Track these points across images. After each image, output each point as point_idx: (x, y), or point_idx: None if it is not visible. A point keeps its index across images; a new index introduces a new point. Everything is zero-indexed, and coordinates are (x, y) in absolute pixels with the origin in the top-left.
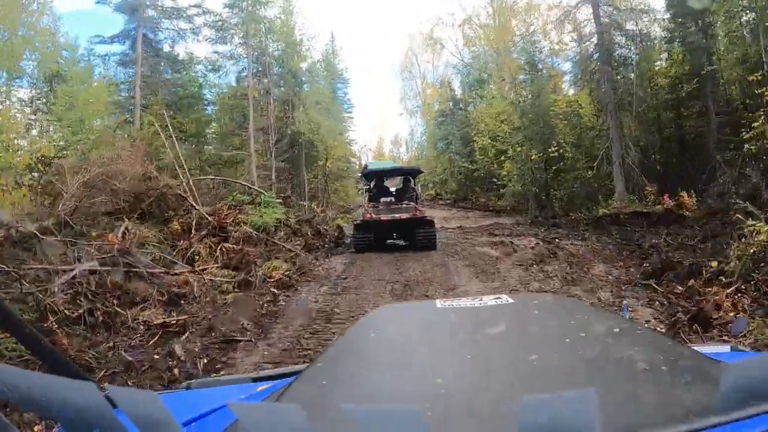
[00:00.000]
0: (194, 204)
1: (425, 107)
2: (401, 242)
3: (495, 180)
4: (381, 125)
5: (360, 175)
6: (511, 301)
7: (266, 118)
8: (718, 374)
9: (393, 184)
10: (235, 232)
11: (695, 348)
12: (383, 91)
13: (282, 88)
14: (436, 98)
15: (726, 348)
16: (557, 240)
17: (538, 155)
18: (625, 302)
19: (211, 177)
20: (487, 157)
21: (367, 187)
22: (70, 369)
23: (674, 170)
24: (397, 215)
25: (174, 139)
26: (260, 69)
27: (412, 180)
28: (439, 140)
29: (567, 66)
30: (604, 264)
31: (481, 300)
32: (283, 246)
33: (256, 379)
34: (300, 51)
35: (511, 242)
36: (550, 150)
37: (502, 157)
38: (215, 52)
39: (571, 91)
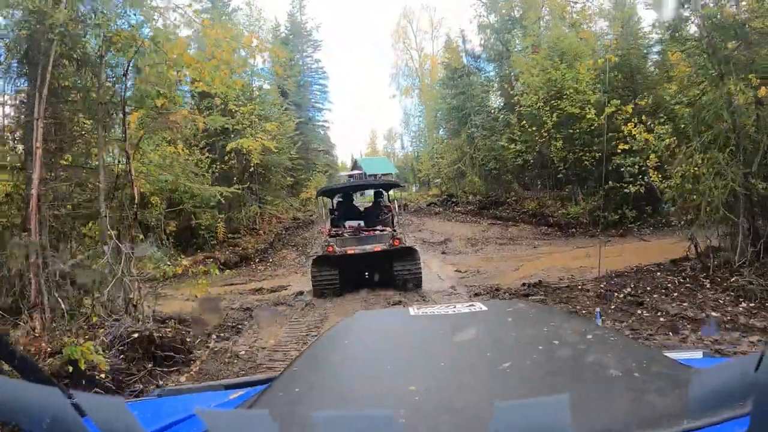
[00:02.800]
0: None
1: (424, 85)
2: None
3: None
4: (365, 105)
5: (315, 197)
6: (484, 308)
7: None
8: (690, 379)
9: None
10: None
11: (667, 354)
12: (368, 70)
13: None
14: (443, 61)
15: (698, 354)
16: None
17: None
18: (597, 309)
19: None
20: (544, 131)
21: (330, 208)
22: (37, 374)
23: None
24: (369, 246)
25: None
26: None
27: (385, 195)
28: (447, 117)
29: None
30: None
31: (454, 307)
32: None
33: (228, 387)
34: None
35: None
36: None
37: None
38: None
39: None
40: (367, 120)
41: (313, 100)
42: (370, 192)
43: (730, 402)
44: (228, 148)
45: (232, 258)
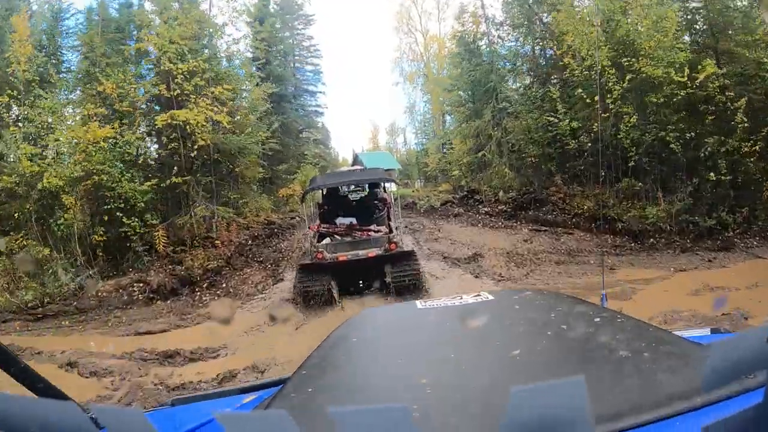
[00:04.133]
0: None
1: (429, 70)
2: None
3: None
4: (366, 99)
5: (303, 194)
6: (491, 297)
7: None
8: (699, 356)
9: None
10: None
11: (675, 332)
12: (369, 62)
13: None
14: (456, 35)
15: (706, 331)
16: None
17: None
18: (603, 292)
19: None
20: (609, 100)
21: (319, 202)
22: (52, 390)
23: None
24: (362, 252)
25: None
26: None
27: (381, 187)
28: (462, 98)
29: None
30: None
31: (461, 298)
32: None
33: (242, 391)
34: None
35: None
36: None
37: None
38: None
39: None
40: (369, 114)
41: (304, 81)
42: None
43: (743, 374)
44: (159, 123)
45: (168, 282)
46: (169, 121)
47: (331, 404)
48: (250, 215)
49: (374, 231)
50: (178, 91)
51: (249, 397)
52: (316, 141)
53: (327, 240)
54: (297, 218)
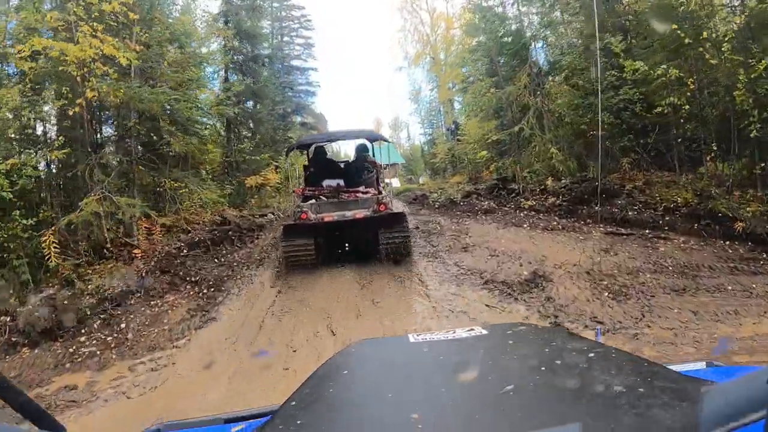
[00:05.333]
0: None
1: (437, 51)
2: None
3: None
4: (368, 92)
5: (286, 151)
6: (484, 332)
7: None
8: (697, 392)
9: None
10: None
11: (671, 367)
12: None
13: None
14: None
15: (702, 365)
16: None
17: None
18: (598, 327)
19: None
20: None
21: (305, 164)
22: (48, 420)
23: None
24: (349, 213)
25: None
26: None
27: (370, 149)
28: (480, 72)
29: None
30: None
31: (454, 332)
32: None
33: (228, 420)
34: None
35: None
36: None
37: None
38: None
39: None
40: (369, 104)
41: (291, 55)
42: None
43: (742, 414)
44: (19, 53)
45: (40, 319)
46: (27, 50)
47: None
48: (184, 213)
49: (362, 192)
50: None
51: (237, 427)
52: (307, 125)
53: (312, 201)
54: (271, 215)
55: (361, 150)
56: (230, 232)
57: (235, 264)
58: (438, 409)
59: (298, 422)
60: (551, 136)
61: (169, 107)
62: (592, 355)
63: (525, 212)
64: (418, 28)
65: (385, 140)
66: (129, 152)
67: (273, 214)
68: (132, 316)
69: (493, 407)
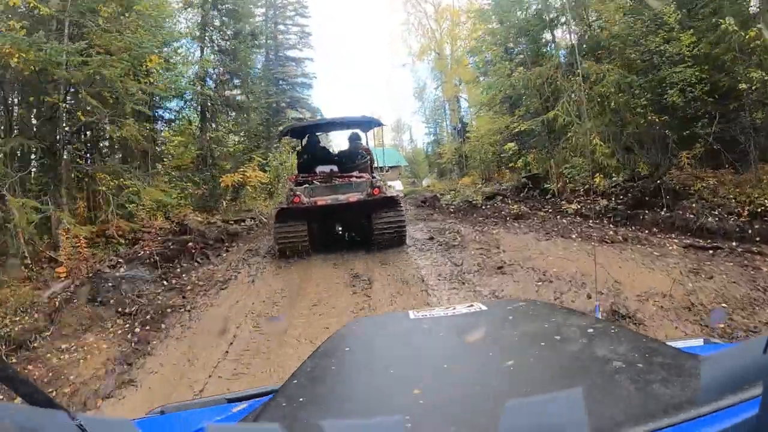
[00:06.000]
0: None
1: (441, 45)
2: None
3: None
4: (369, 92)
5: (278, 136)
6: (484, 308)
7: None
8: (695, 367)
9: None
10: None
11: (669, 343)
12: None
13: None
14: None
15: (699, 341)
16: None
17: None
18: (596, 303)
19: None
20: None
21: (298, 151)
22: (42, 398)
23: None
24: (342, 196)
25: None
26: None
27: (364, 137)
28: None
29: None
30: None
31: (454, 309)
32: None
33: (230, 400)
34: None
35: None
36: None
37: None
38: None
39: None
40: (371, 105)
41: (286, 44)
42: None
43: (739, 386)
44: None
45: None
46: None
47: (322, 415)
48: (117, 219)
49: (356, 177)
50: None
51: (238, 407)
52: (303, 120)
53: (306, 185)
54: (251, 220)
55: (355, 138)
56: (190, 244)
57: (188, 288)
58: (439, 384)
59: (301, 399)
60: (592, 125)
61: (98, 76)
62: (591, 330)
63: (569, 218)
64: (422, 22)
65: (380, 124)
66: (55, 139)
67: (254, 219)
68: (31, 367)
69: (493, 382)
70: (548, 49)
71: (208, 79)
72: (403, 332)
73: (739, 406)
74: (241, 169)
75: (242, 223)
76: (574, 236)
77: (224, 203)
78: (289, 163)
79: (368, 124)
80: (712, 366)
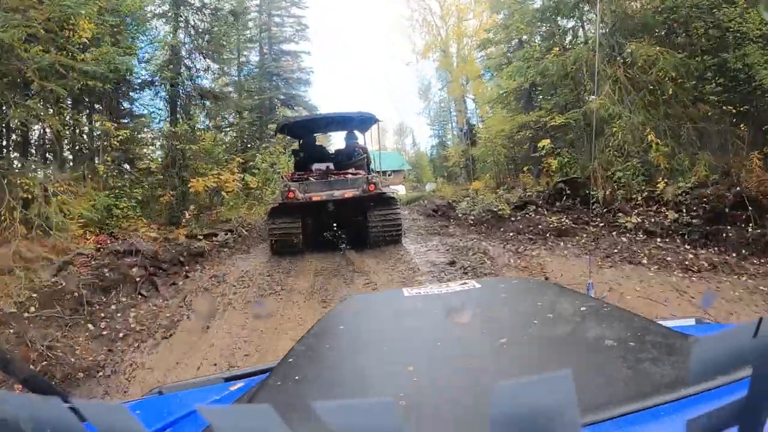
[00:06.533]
0: None
1: (448, 41)
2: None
3: None
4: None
5: (274, 131)
6: (478, 285)
7: None
8: (686, 347)
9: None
10: None
11: (661, 322)
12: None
13: None
14: None
15: (691, 321)
16: None
17: None
18: (589, 281)
19: None
20: None
21: (294, 149)
22: (37, 381)
23: None
24: (338, 192)
25: None
26: None
27: (361, 135)
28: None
29: None
30: None
31: (448, 286)
32: None
33: (228, 379)
34: None
35: None
36: None
37: None
38: None
39: None
40: (372, 104)
41: (281, 37)
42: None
43: (729, 367)
44: None
45: None
46: None
47: (316, 394)
48: (11, 234)
49: (352, 174)
50: None
51: (235, 385)
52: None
53: (301, 181)
54: (228, 233)
55: (351, 137)
56: (134, 270)
57: (121, 336)
58: (432, 361)
59: (296, 378)
60: (643, 118)
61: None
62: (584, 308)
63: (628, 235)
64: (427, 18)
65: (376, 120)
66: None
67: (231, 232)
68: None
69: (486, 359)
70: (581, 28)
71: (182, 66)
72: (397, 310)
73: (729, 386)
74: (215, 172)
75: (213, 238)
76: (645, 261)
77: (187, 214)
78: (280, 165)
79: (363, 119)
80: (703, 347)
